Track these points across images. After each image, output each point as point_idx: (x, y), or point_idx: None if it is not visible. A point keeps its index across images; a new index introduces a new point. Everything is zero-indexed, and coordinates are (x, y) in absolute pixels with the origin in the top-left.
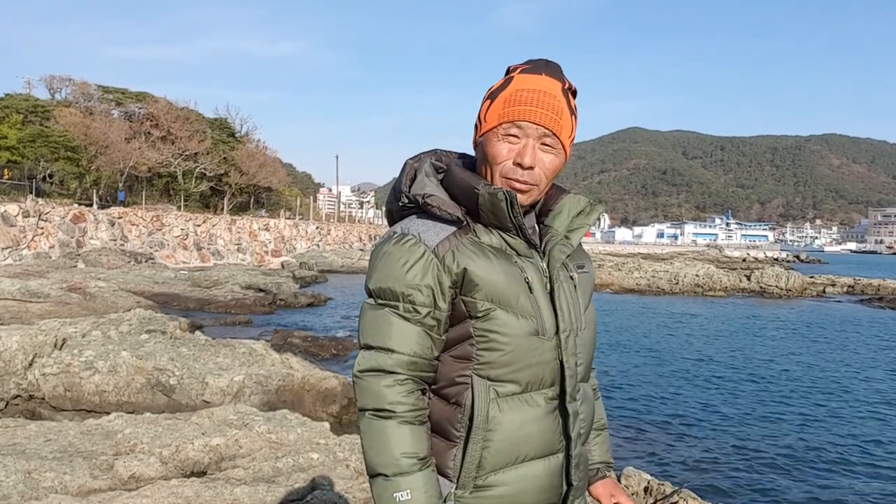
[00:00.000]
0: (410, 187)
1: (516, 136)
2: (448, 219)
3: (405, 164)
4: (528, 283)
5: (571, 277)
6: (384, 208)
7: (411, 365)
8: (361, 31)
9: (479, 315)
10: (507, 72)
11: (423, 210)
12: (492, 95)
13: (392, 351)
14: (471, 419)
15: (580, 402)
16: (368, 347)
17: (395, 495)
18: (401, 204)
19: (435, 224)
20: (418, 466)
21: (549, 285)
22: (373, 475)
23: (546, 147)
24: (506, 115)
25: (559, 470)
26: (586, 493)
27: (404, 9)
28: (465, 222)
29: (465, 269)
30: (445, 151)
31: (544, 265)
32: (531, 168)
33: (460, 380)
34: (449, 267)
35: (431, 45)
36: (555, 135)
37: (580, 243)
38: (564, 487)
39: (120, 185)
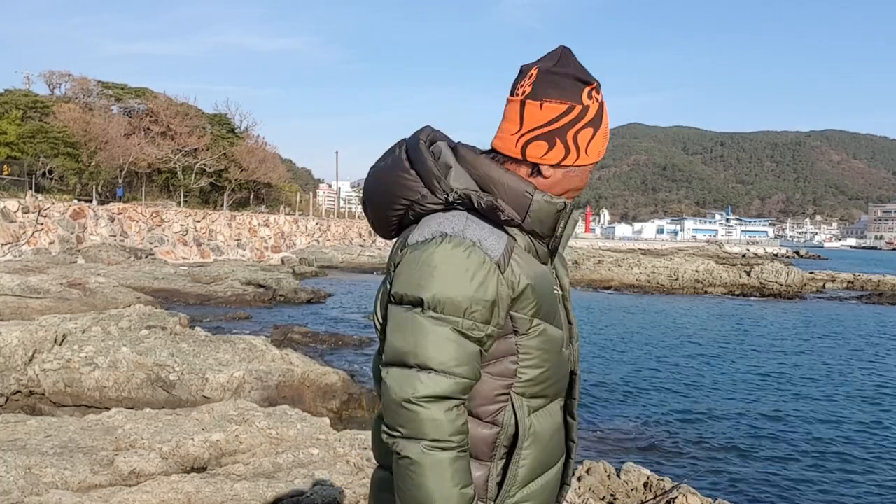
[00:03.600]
0: (445, 178)
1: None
2: (505, 224)
3: (415, 144)
4: (556, 293)
5: (568, 286)
6: (369, 191)
7: (469, 389)
8: (363, 26)
9: (529, 332)
10: (587, 83)
11: (473, 210)
12: (594, 125)
13: (452, 374)
14: (514, 438)
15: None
16: (422, 367)
17: None
18: (449, 199)
19: (491, 229)
20: (471, 498)
21: (559, 293)
22: None
23: None
24: (602, 153)
25: (560, 472)
26: None
27: (406, 5)
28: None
29: (526, 285)
30: (438, 131)
31: (554, 272)
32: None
33: (499, 398)
34: (511, 281)
35: (432, 40)
36: None
37: None
38: (559, 486)
39: (119, 180)
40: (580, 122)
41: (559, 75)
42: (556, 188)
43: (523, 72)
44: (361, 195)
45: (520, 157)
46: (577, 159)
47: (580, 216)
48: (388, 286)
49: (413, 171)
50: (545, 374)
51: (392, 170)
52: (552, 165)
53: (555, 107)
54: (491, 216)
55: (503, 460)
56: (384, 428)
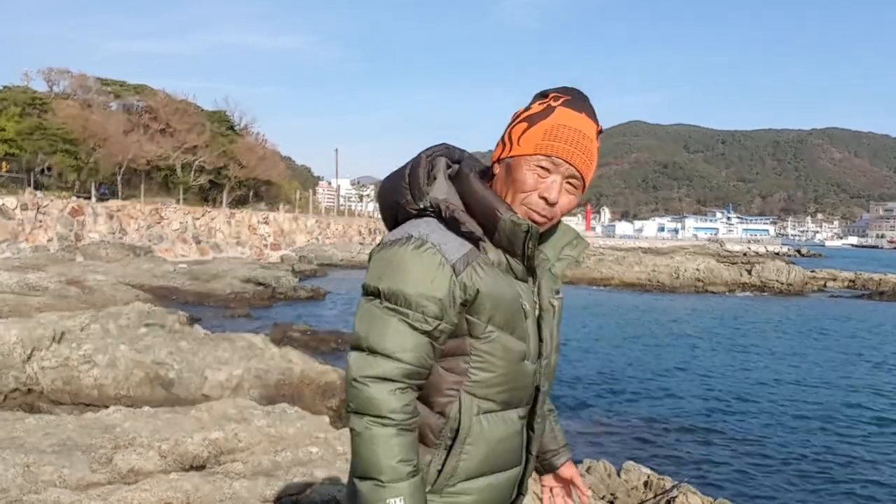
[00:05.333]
0: (428, 188)
1: (547, 170)
2: (469, 236)
3: (419, 158)
4: (524, 308)
5: (553, 304)
6: (381, 194)
7: (414, 375)
8: (363, 25)
9: (481, 336)
10: (544, 96)
11: (442, 219)
12: (529, 119)
13: (398, 360)
14: (455, 431)
15: (541, 419)
16: (372, 351)
17: (388, 501)
18: (421, 206)
19: (455, 237)
20: (412, 473)
21: (537, 312)
22: (363, 478)
23: (570, 187)
24: (543, 147)
25: (515, 481)
26: None
27: (406, 4)
28: (482, 241)
29: (478, 291)
30: (455, 149)
31: (535, 291)
32: (554, 205)
33: (448, 392)
34: (465, 284)
35: (433, 39)
36: (582, 177)
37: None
38: (514, 495)
39: (117, 178)
40: (517, 120)
41: (536, 96)
42: (503, 185)
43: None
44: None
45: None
46: (510, 151)
47: (570, 239)
48: None
49: (407, 179)
50: (495, 379)
51: (396, 176)
52: (495, 162)
53: (513, 117)
54: (452, 226)
55: (447, 451)
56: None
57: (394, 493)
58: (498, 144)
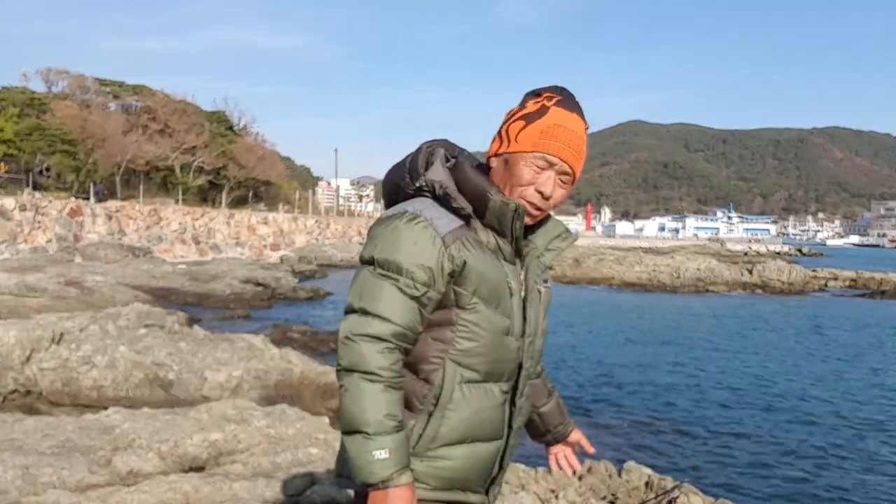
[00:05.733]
0: (426, 172)
1: (541, 167)
2: (459, 212)
3: (420, 147)
4: (509, 286)
5: (539, 290)
6: (384, 181)
7: (401, 336)
8: (363, 25)
9: (467, 307)
10: (537, 94)
11: (436, 197)
12: (527, 118)
13: (388, 321)
14: (437, 397)
15: (525, 398)
16: (364, 312)
17: (374, 452)
18: (417, 185)
19: (446, 213)
20: (397, 428)
21: (523, 292)
22: (351, 432)
23: (562, 182)
24: (540, 145)
25: (497, 454)
26: None
27: (407, 3)
28: (471, 219)
29: (465, 262)
30: (455, 145)
31: (522, 273)
32: (549, 199)
33: (434, 360)
34: (453, 256)
35: (433, 38)
36: (573, 173)
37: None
38: (496, 469)
39: (116, 178)
40: (513, 118)
41: (528, 94)
42: (501, 178)
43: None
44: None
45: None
46: (507, 147)
47: (560, 232)
48: None
49: (408, 165)
50: (479, 349)
51: (399, 164)
52: (491, 156)
53: (508, 115)
54: (444, 203)
55: (428, 416)
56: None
57: (379, 446)
58: (494, 140)
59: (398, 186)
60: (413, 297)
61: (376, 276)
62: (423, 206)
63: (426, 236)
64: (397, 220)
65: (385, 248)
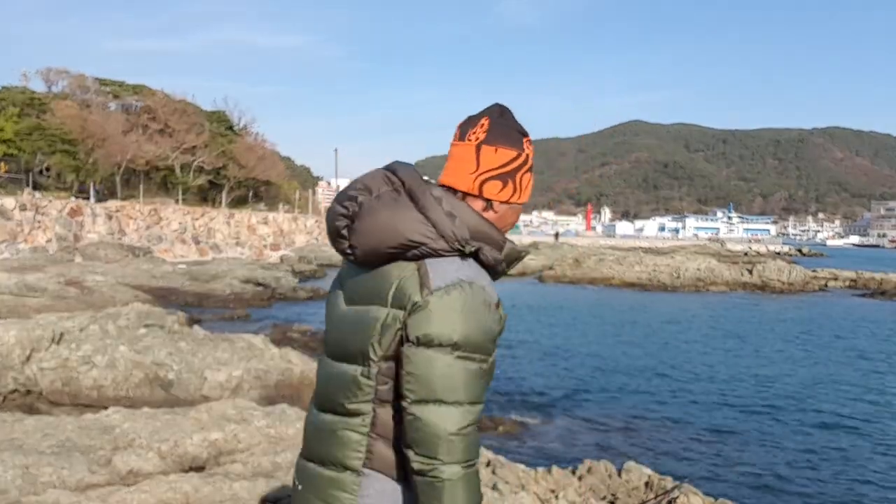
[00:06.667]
0: (453, 224)
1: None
2: (492, 270)
3: (420, 190)
4: None
5: None
6: (370, 232)
7: None
8: (363, 25)
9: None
10: (524, 133)
11: (468, 256)
12: (531, 170)
13: (480, 404)
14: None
15: None
16: (459, 403)
17: None
18: (463, 249)
19: (485, 274)
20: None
21: None
22: None
23: None
24: (527, 197)
25: None
26: None
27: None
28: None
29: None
30: (403, 164)
31: None
32: None
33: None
34: (501, 317)
35: (433, 38)
36: None
37: None
38: None
39: (116, 178)
40: (525, 167)
41: (507, 127)
42: (501, 221)
43: (472, 121)
44: (333, 222)
45: (477, 193)
46: (518, 197)
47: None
48: (402, 322)
49: (423, 216)
50: None
51: (399, 211)
52: (502, 202)
53: (507, 153)
54: (485, 263)
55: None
56: (417, 456)
57: None
58: (506, 184)
59: (409, 240)
60: (487, 371)
61: (459, 360)
62: (473, 271)
63: (488, 306)
64: (462, 294)
65: (461, 326)
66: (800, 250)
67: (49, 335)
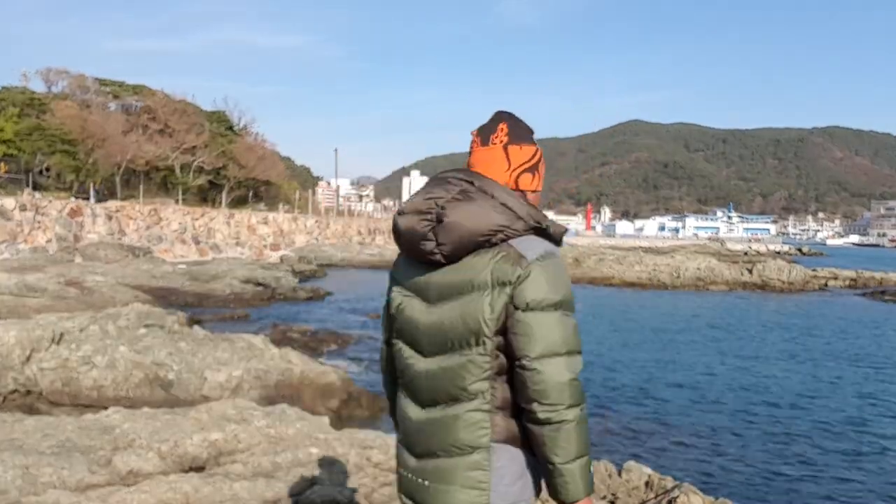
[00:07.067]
0: (524, 208)
1: None
2: (554, 242)
3: (492, 185)
4: None
5: None
6: (460, 224)
7: None
8: (363, 25)
9: None
10: (532, 132)
11: (542, 232)
12: (543, 161)
13: (581, 352)
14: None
15: None
16: (571, 353)
17: (591, 469)
18: (541, 226)
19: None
20: None
21: None
22: (580, 457)
23: None
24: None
25: None
26: None
27: (407, 3)
28: None
29: None
30: (459, 170)
31: None
32: None
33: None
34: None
35: (433, 38)
36: None
37: None
38: None
39: (116, 178)
40: (541, 160)
41: (522, 128)
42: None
43: (491, 127)
44: (415, 227)
45: (514, 186)
46: (539, 186)
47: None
48: (510, 295)
49: (501, 205)
50: None
51: (483, 203)
52: (531, 191)
53: (530, 149)
54: (552, 237)
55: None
56: (543, 406)
57: (591, 464)
58: (534, 175)
59: (496, 226)
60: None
61: (566, 316)
62: (547, 242)
63: (566, 271)
64: (553, 262)
65: (561, 288)
66: (800, 249)
67: (49, 335)
